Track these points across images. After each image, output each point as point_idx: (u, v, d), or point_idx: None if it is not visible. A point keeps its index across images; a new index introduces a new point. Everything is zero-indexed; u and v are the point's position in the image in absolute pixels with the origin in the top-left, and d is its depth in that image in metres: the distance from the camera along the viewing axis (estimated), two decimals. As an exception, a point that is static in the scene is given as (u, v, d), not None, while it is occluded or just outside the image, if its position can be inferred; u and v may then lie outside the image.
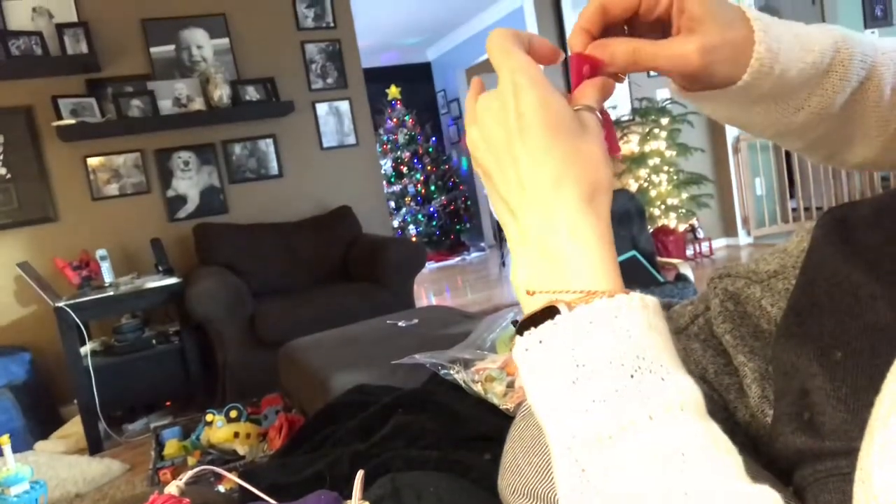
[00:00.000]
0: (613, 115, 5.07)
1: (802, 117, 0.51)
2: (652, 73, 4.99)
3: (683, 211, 4.96)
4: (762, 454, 0.57)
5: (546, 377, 0.37)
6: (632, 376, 0.35)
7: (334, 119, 4.01)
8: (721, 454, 0.34)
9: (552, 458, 0.38)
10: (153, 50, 3.55)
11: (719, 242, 5.42)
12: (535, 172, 0.41)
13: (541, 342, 0.37)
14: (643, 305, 0.37)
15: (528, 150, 0.41)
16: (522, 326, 0.39)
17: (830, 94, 0.49)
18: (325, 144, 3.98)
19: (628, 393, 0.35)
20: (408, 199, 7.67)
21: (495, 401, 1.29)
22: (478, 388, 1.34)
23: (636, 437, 0.34)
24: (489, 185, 0.45)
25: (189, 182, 3.63)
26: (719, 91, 0.48)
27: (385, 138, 7.63)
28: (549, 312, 0.38)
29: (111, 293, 2.84)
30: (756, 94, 0.48)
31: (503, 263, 6.31)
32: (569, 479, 0.36)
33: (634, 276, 3.00)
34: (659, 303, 0.39)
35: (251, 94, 3.66)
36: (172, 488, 0.92)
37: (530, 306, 0.40)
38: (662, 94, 5.13)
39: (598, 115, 0.45)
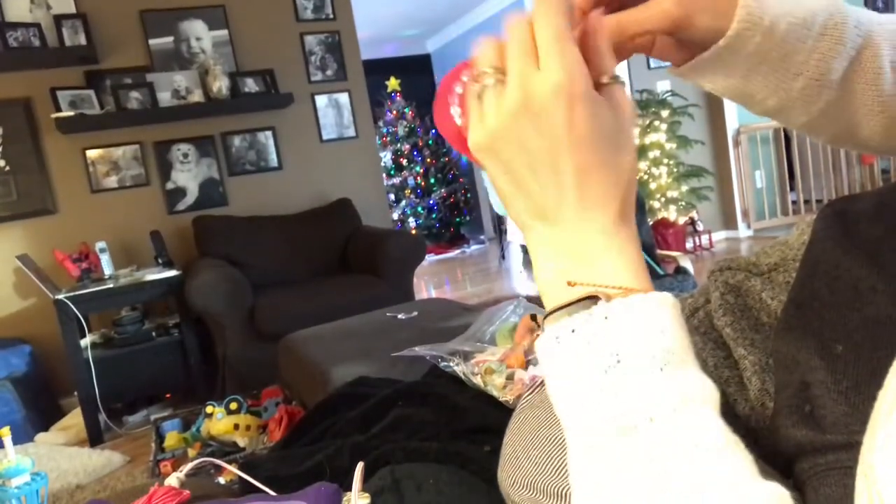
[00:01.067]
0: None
1: (801, 83, 0.50)
2: (652, 65, 4.92)
3: (683, 203, 4.96)
4: (762, 447, 0.57)
5: (576, 366, 0.37)
6: (661, 369, 0.36)
7: (334, 111, 4.00)
8: (737, 451, 0.35)
9: (568, 445, 0.38)
10: (152, 42, 3.53)
11: (719, 235, 5.42)
12: (581, 188, 0.39)
13: (573, 331, 0.37)
14: (674, 304, 0.38)
15: (576, 165, 0.38)
16: (552, 314, 0.39)
17: (827, 59, 0.49)
18: (325, 137, 3.98)
19: (657, 385, 0.36)
20: (407, 191, 7.66)
21: (495, 393, 1.29)
22: (477, 380, 1.34)
23: (660, 429, 0.35)
24: (513, 184, 0.41)
25: (188, 174, 3.63)
26: (713, 54, 0.48)
27: (385, 130, 7.62)
28: (583, 305, 0.38)
29: (111, 285, 2.84)
30: (749, 54, 0.48)
31: (503, 256, 6.31)
32: (589, 468, 0.37)
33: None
34: (678, 303, 0.40)
35: (250, 86, 3.65)
36: (173, 480, 0.92)
37: (565, 296, 0.39)
38: (663, 86, 5.11)
39: (623, 85, 0.42)
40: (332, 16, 3.97)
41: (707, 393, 0.37)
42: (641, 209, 3.22)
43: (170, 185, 3.59)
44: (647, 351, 0.36)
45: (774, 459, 0.52)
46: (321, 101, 3.96)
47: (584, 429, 0.37)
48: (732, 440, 0.35)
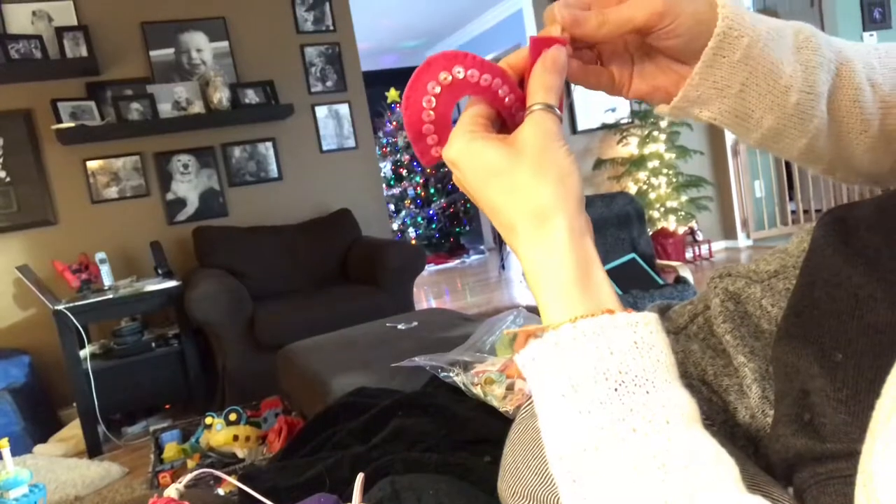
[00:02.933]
0: (613, 118, 5.07)
1: (795, 97, 0.51)
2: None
3: (683, 213, 4.97)
4: (762, 456, 0.57)
5: (540, 390, 0.39)
6: (615, 390, 0.37)
7: (334, 122, 4.01)
8: (710, 465, 0.35)
9: (550, 468, 0.39)
10: (153, 53, 3.55)
11: (718, 245, 5.42)
12: (497, 223, 0.45)
13: (532, 359, 0.40)
14: (628, 323, 0.39)
15: (483, 207, 0.45)
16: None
17: (811, 70, 0.51)
18: (325, 147, 3.99)
19: (611, 406, 0.36)
20: (407, 201, 7.67)
21: (495, 403, 1.29)
22: (477, 390, 1.34)
23: (619, 449, 0.35)
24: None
25: (188, 185, 3.63)
26: (704, 62, 0.49)
27: (384, 141, 7.64)
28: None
29: (110, 296, 2.84)
30: (737, 61, 0.49)
31: (503, 266, 6.31)
32: (564, 488, 0.38)
33: (634, 279, 3.00)
34: (655, 318, 0.40)
35: (250, 97, 3.66)
36: (172, 491, 0.92)
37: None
38: (662, 96, 5.13)
39: (557, 111, 0.44)
40: (332, 27, 3.99)
41: (672, 409, 0.37)
42: (641, 219, 3.22)
43: (170, 196, 3.60)
44: (599, 373, 0.37)
45: (775, 468, 0.51)
46: (321, 112, 3.98)
47: (555, 450, 0.38)
48: (705, 454, 0.35)
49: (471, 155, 0.44)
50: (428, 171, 7.70)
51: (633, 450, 0.35)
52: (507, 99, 0.47)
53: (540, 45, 0.46)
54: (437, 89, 0.46)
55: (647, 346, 0.38)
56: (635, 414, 0.36)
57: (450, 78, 0.46)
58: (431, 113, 0.48)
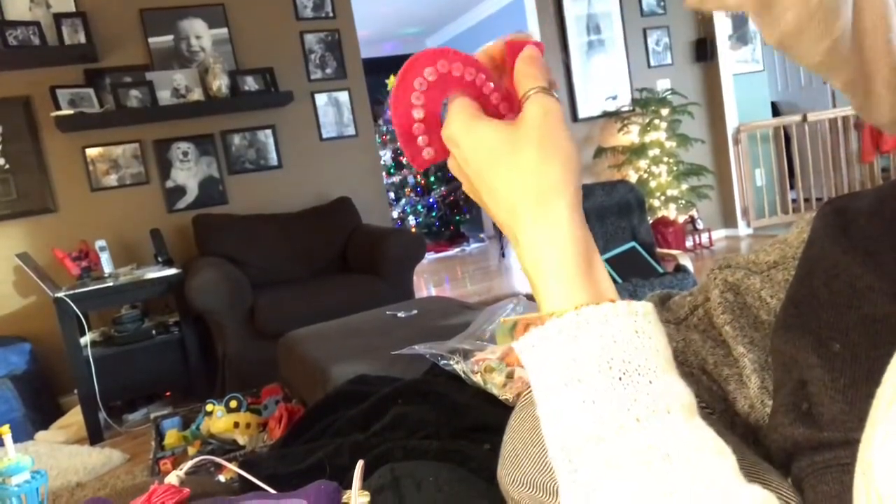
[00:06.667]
0: (614, 106, 5.05)
1: None
2: (652, 63, 4.90)
3: (683, 202, 4.96)
4: (761, 445, 0.57)
5: (541, 379, 0.39)
6: (619, 379, 0.36)
7: (333, 110, 4.00)
8: (711, 455, 0.35)
9: (550, 458, 0.39)
10: (152, 40, 3.53)
11: (719, 233, 5.42)
12: (495, 205, 0.44)
13: (533, 346, 0.39)
14: (630, 312, 0.38)
15: (483, 190, 0.44)
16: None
17: None
18: (325, 135, 3.98)
19: (616, 395, 0.36)
20: (407, 189, 7.66)
21: (495, 391, 1.29)
22: (477, 378, 1.34)
23: (624, 440, 0.35)
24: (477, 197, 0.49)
25: (188, 173, 3.63)
26: None
27: (384, 129, 7.62)
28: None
29: (111, 284, 2.84)
30: None
31: (503, 254, 6.31)
32: (564, 478, 0.37)
33: (634, 267, 3.00)
34: (652, 308, 0.39)
35: (250, 84, 3.65)
36: (172, 478, 0.92)
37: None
38: (663, 84, 5.12)
39: (554, 94, 0.44)
40: (331, 14, 3.97)
41: (673, 399, 0.36)
42: (641, 207, 3.22)
43: (169, 184, 3.59)
44: (602, 362, 0.36)
45: (774, 457, 0.52)
46: (321, 99, 3.96)
47: (556, 440, 0.37)
48: (706, 445, 0.35)
49: (473, 134, 0.44)
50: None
51: (638, 440, 0.35)
52: (491, 96, 0.47)
53: (516, 48, 0.46)
54: (424, 86, 0.46)
55: (646, 336, 0.38)
56: (639, 404, 0.35)
57: (435, 74, 0.46)
58: (421, 111, 0.47)
